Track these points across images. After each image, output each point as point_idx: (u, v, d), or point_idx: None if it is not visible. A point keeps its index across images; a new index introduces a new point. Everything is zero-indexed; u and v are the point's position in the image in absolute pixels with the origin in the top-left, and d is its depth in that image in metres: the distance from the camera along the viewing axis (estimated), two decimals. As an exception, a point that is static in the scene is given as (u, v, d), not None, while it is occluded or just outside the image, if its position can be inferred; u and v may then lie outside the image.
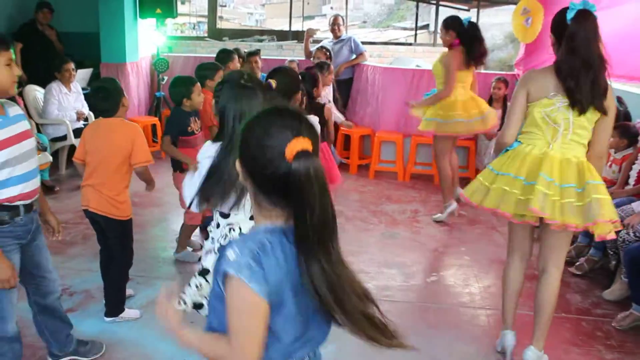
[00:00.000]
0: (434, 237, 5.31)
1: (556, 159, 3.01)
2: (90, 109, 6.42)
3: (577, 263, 4.58)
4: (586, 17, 2.95)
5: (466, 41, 5.21)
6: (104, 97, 3.49)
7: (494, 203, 3.09)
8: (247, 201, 2.36)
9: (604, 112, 3.00)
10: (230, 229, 2.46)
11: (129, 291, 3.96)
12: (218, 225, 2.56)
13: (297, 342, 1.50)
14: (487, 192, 3.14)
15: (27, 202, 2.65)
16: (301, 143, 1.38)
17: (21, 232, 2.67)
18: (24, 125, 2.64)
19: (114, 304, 3.68)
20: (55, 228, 3.01)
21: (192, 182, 2.54)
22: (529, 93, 3.07)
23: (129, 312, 3.72)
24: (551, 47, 3.17)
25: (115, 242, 3.64)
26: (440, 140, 5.48)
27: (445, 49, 5.41)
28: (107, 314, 3.68)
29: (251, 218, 2.41)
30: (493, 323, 3.83)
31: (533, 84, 3.07)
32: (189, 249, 4.64)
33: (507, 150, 3.16)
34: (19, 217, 2.63)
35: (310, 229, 1.39)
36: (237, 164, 1.50)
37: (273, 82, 3.11)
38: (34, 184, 2.67)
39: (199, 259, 4.53)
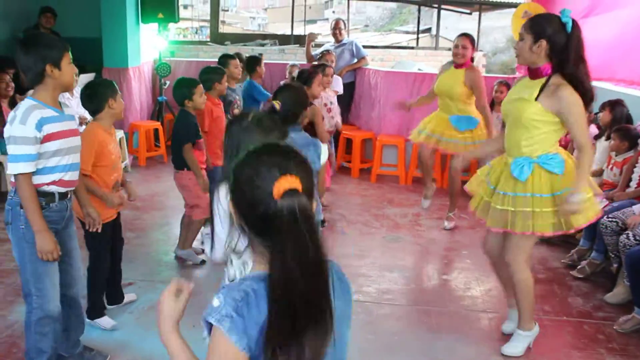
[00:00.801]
0: (436, 240, 5.31)
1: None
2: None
3: (579, 266, 4.58)
4: (578, 25, 3.05)
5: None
6: (89, 96, 3.45)
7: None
8: None
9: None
10: (244, 264, 2.42)
11: (131, 296, 3.96)
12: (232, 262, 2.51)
13: None
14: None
15: (63, 190, 2.90)
16: (289, 181, 1.34)
17: (56, 217, 2.89)
18: (74, 124, 2.94)
19: (90, 306, 3.66)
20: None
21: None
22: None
23: (103, 320, 3.68)
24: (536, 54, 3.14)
25: (87, 244, 3.61)
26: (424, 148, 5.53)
27: (445, 62, 5.44)
28: (87, 315, 3.64)
29: None
30: (494, 326, 3.83)
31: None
32: (194, 253, 4.65)
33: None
34: (54, 203, 2.87)
35: (283, 275, 1.33)
36: (230, 206, 1.46)
37: (277, 104, 3.07)
38: (73, 175, 2.94)
39: (201, 262, 4.57)
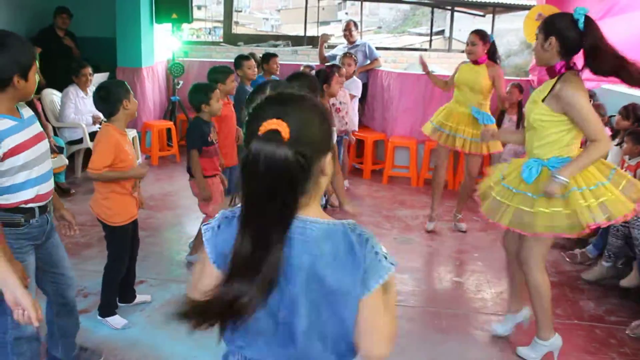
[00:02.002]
0: (447, 242, 5.30)
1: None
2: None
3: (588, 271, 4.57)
4: (593, 22, 3.01)
5: (491, 57, 5.22)
6: (103, 98, 3.44)
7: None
8: None
9: None
10: None
11: (146, 297, 3.98)
12: None
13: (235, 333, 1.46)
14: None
15: (42, 204, 2.68)
16: (273, 123, 1.31)
17: (37, 233, 2.70)
18: (37, 127, 2.67)
19: (102, 304, 3.70)
20: (72, 222, 3.02)
21: None
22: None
23: (114, 319, 3.69)
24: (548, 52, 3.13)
25: (107, 244, 3.66)
26: (438, 149, 5.48)
27: (461, 59, 5.40)
28: (98, 312, 3.71)
29: None
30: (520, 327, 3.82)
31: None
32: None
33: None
34: (35, 219, 2.66)
35: (243, 215, 1.36)
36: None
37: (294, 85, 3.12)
38: (49, 186, 2.71)
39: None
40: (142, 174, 3.57)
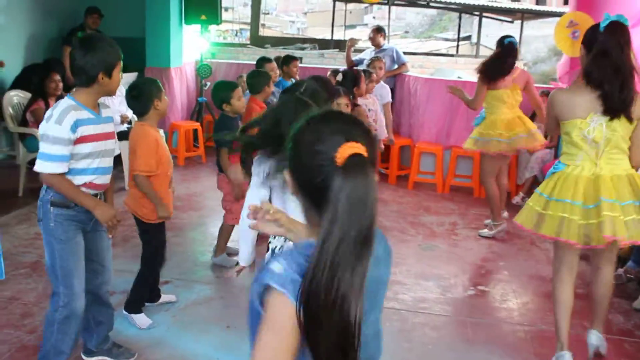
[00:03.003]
0: (472, 250, 5.25)
1: (607, 178, 3.06)
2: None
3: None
4: (618, 27, 3.03)
5: (500, 57, 5.21)
6: (135, 96, 3.49)
7: (552, 230, 3.13)
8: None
9: (629, 118, 3.04)
10: (285, 239, 2.42)
11: (170, 297, 3.99)
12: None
13: None
14: (540, 217, 3.20)
15: (93, 192, 2.91)
16: (354, 147, 1.25)
17: (84, 217, 2.90)
18: (110, 127, 2.96)
19: (130, 300, 3.72)
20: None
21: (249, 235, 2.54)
22: (558, 115, 3.14)
23: (140, 317, 3.70)
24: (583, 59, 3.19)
25: (142, 242, 3.69)
26: (486, 159, 5.43)
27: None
28: (124, 307, 3.72)
29: None
30: (530, 339, 3.76)
31: (561, 107, 3.11)
32: (227, 257, 4.67)
33: (554, 172, 3.19)
34: None
35: (324, 246, 1.20)
36: (286, 175, 1.38)
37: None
38: (105, 179, 2.96)
39: (236, 264, 4.58)
40: (163, 216, 3.54)
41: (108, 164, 2.95)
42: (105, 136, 2.89)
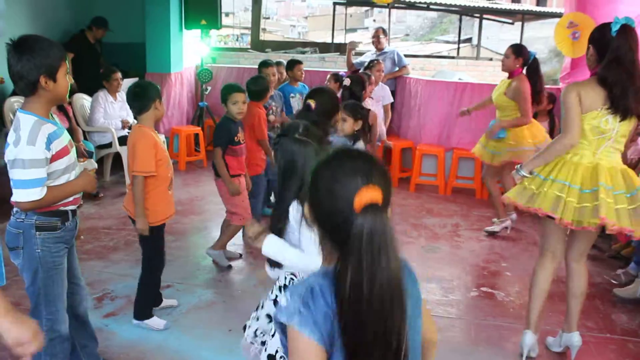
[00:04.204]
0: (475, 251, 5.23)
1: (606, 168, 3.14)
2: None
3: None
4: (629, 30, 3.09)
5: (529, 73, 5.19)
6: (136, 94, 3.50)
7: (546, 206, 3.16)
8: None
9: (638, 117, 3.16)
10: (291, 279, 2.37)
11: (172, 301, 3.98)
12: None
13: None
14: (533, 195, 3.22)
15: (74, 207, 2.76)
16: (371, 194, 1.31)
17: (69, 236, 2.76)
18: (67, 134, 2.73)
19: (138, 307, 3.71)
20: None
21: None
22: (581, 102, 3.12)
23: (154, 321, 3.70)
24: (590, 60, 3.25)
25: (141, 245, 3.67)
26: (506, 168, 5.42)
27: (496, 79, 5.40)
28: (134, 316, 3.71)
29: None
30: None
31: (585, 95, 3.12)
32: (223, 256, 4.69)
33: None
34: (69, 222, 2.72)
35: (351, 289, 1.31)
36: (306, 209, 1.46)
37: (312, 103, 3.10)
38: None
39: (228, 267, 4.58)
40: (143, 229, 3.50)
41: (79, 173, 2.76)
42: (70, 145, 2.68)
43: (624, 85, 3.05)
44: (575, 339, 3.46)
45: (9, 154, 2.49)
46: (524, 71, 5.22)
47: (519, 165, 3.29)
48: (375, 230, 1.30)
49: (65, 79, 2.56)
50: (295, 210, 2.29)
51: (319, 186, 1.39)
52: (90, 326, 3.13)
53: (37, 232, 2.60)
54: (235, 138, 4.39)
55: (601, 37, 3.15)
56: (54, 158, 2.53)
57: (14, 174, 2.49)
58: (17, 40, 2.47)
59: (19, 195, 2.50)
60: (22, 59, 2.43)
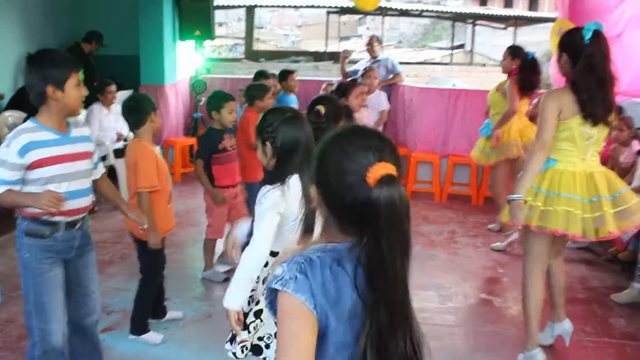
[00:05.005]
0: (472, 258, 5.23)
1: (599, 175, 3.18)
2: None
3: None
4: (601, 37, 3.12)
5: (526, 72, 5.23)
6: (131, 108, 3.51)
7: (561, 225, 3.14)
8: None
9: (609, 125, 3.20)
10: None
11: (177, 313, 3.97)
12: (266, 264, 2.49)
13: None
14: (542, 213, 3.19)
15: (70, 219, 2.72)
16: (385, 167, 1.26)
17: (62, 247, 2.74)
18: (85, 146, 2.76)
19: (135, 322, 3.69)
20: (138, 221, 3.15)
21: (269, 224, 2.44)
22: (562, 110, 3.14)
23: (150, 335, 3.68)
24: (564, 66, 3.24)
25: (139, 259, 3.67)
26: (498, 170, 5.49)
27: (493, 80, 5.44)
28: (130, 331, 3.69)
29: None
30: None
31: (567, 102, 3.13)
32: (220, 267, 4.70)
33: (545, 168, 3.21)
34: (59, 233, 2.71)
35: (385, 260, 1.27)
36: (313, 189, 1.39)
37: (322, 108, 3.12)
38: (81, 202, 2.75)
39: (225, 279, 4.57)
40: (156, 242, 3.51)
41: (82, 186, 2.74)
42: (75, 157, 2.69)
43: (592, 91, 3.08)
44: (567, 325, 3.55)
45: None
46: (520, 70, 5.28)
47: (509, 196, 3.20)
48: (394, 198, 1.25)
49: (75, 90, 2.60)
50: (297, 181, 2.35)
51: (328, 163, 1.33)
52: (94, 340, 3.09)
53: (26, 238, 2.67)
54: (220, 146, 4.40)
55: (573, 43, 3.16)
56: (34, 165, 2.56)
57: None
58: (33, 53, 2.61)
59: None
60: (31, 70, 2.55)
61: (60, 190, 2.61)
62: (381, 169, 1.26)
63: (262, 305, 2.51)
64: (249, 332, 2.51)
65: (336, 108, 3.46)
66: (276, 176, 2.42)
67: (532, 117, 5.76)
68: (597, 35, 3.09)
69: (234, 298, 2.36)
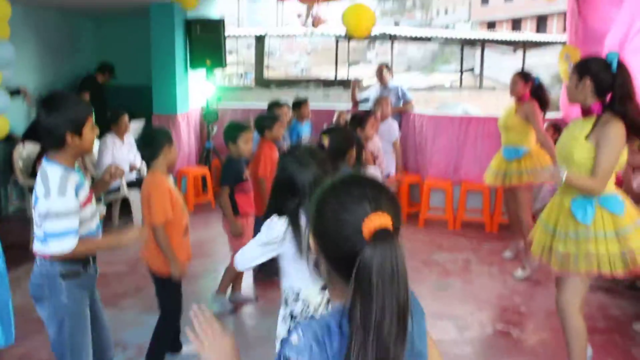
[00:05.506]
0: (488, 287, 5.18)
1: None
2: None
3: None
4: (624, 67, 3.14)
5: (537, 95, 5.30)
6: (145, 144, 3.54)
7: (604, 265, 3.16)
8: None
9: None
10: (307, 305, 2.41)
11: (192, 348, 3.92)
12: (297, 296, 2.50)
13: None
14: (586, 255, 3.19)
15: (94, 253, 2.81)
16: (381, 219, 1.23)
17: (90, 282, 2.81)
18: (88, 182, 2.80)
19: (153, 356, 3.65)
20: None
21: (253, 253, 2.54)
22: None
23: None
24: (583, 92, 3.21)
25: (157, 295, 3.65)
26: (524, 193, 5.40)
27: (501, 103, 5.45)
28: None
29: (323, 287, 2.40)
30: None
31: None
32: (227, 301, 4.68)
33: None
34: (89, 267, 2.77)
35: (366, 323, 1.21)
36: (310, 238, 1.38)
37: (325, 140, 3.13)
38: (98, 235, 2.83)
39: (232, 310, 4.56)
40: (176, 272, 3.50)
41: (98, 220, 2.84)
42: (92, 195, 2.78)
43: (638, 118, 3.09)
44: (589, 352, 3.51)
45: (41, 207, 2.54)
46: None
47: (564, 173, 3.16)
48: (385, 258, 1.21)
49: (90, 133, 2.66)
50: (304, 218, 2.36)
51: (325, 213, 1.31)
52: None
53: (63, 281, 2.64)
54: (244, 176, 4.43)
55: (600, 71, 3.15)
56: (80, 207, 2.61)
57: (47, 226, 2.53)
58: (46, 96, 2.62)
59: (53, 247, 2.55)
60: (50, 115, 2.55)
61: (92, 227, 2.73)
62: (376, 220, 1.23)
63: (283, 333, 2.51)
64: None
65: (344, 138, 3.47)
66: (269, 208, 2.48)
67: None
68: (621, 65, 3.11)
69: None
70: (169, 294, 3.59)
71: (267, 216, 2.49)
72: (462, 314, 4.61)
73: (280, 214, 2.45)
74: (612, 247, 3.11)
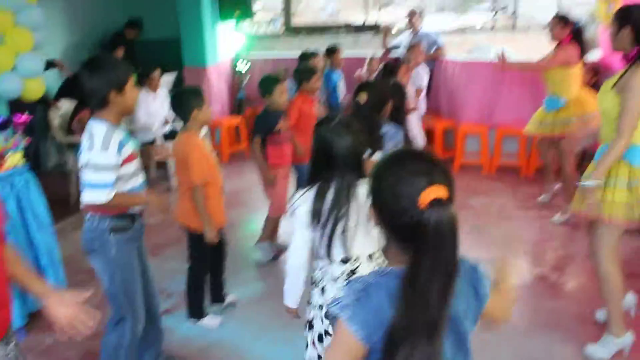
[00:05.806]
0: (525, 231, 5.17)
1: None
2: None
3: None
4: None
5: (578, 39, 5.15)
6: (176, 105, 3.56)
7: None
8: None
9: None
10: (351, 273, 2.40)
11: (233, 297, 4.05)
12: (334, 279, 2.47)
13: None
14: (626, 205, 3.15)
15: (140, 208, 2.93)
16: (436, 190, 1.33)
17: (137, 234, 2.94)
18: (133, 141, 2.91)
19: (190, 307, 3.80)
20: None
21: (296, 246, 2.48)
22: None
23: (208, 319, 3.79)
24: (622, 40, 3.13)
25: (188, 248, 3.73)
26: (570, 139, 5.29)
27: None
28: (188, 315, 3.81)
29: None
30: (592, 323, 3.70)
31: None
32: (269, 248, 4.74)
33: None
34: (136, 223, 2.90)
35: (420, 280, 1.33)
36: (369, 209, 1.48)
37: (363, 96, 3.11)
38: (143, 191, 2.95)
39: (273, 257, 4.66)
40: (210, 238, 3.55)
41: (143, 178, 2.96)
42: (137, 152, 2.87)
43: None
44: (630, 298, 3.63)
45: (83, 158, 2.68)
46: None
47: (583, 182, 3.17)
48: (441, 222, 1.31)
49: (133, 91, 2.75)
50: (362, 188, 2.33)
51: (382, 188, 1.41)
52: (159, 321, 3.30)
53: (112, 235, 2.78)
54: (276, 127, 4.43)
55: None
56: (123, 162, 2.71)
57: (85, 176, 2.68)
58: (87, 60, 2.72)
59: (87, 196, 2.69)
60: (93, 77, 2.66)
61: (137, 183, 2.85)
62: (432, 192, 1.33)
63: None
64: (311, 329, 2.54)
65: (380, 94, 3.43)
66: (310, 177, 2.44)
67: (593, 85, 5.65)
68: None
69: (289, 298, 2.61)
70: (199, 248, 3.66)
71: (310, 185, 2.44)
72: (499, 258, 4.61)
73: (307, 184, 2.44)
74: (619, 197, 3.09)
